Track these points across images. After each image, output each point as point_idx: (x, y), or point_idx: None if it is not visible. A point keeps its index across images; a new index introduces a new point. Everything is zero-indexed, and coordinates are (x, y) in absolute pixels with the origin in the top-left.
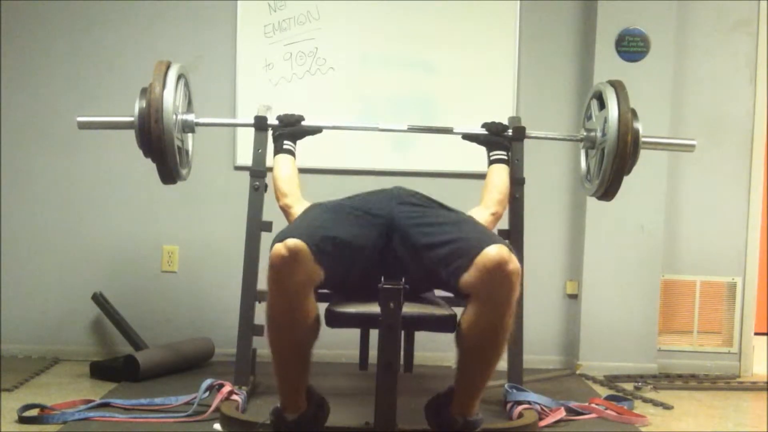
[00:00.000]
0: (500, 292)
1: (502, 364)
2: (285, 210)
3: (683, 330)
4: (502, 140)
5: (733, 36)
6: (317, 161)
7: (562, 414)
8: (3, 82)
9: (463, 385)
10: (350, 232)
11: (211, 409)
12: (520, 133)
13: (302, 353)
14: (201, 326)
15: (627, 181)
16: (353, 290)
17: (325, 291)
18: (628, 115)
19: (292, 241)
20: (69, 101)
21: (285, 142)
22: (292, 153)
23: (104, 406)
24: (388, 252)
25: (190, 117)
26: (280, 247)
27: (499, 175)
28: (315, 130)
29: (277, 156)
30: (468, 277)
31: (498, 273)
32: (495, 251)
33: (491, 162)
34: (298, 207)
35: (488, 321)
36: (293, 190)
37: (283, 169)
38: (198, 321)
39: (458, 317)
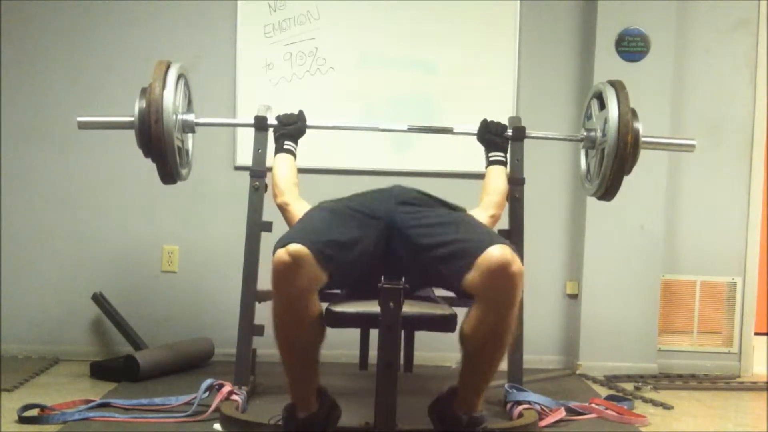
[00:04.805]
0: (503, 294)
1: (502, 364)
2: (281, 208)
3: (683, 330)
4: (502, 141)
5: (733, 36)
6: (317, 161)
7: (562, 414)
8: (3, 82)
9: (468, 384)
10: (351, 235)
11: (211, 409)
12: (520, 133)
13: (309, 354)
14: (201, 326)
15: (627, 181)
16: (356, 289)
17: (327, 291)
18: (628, 116)
19: (294, 247)
20: (69, 101)
21: (286, 142)
22: (292, 153)
23: (104, 406)
24: (390, 252)
25: (190, 117)
26: (282, 253)
27: (498, 177)
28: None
29: (277, 155)
30: (471, 278)
31: (501, 274)
32: (498, 252)
33: (490, 163)
34: (296, 206)
35: (492, 322)
36: (291, 188)
37: (282, 167)
38: (198, 321)
39: (459, 317)
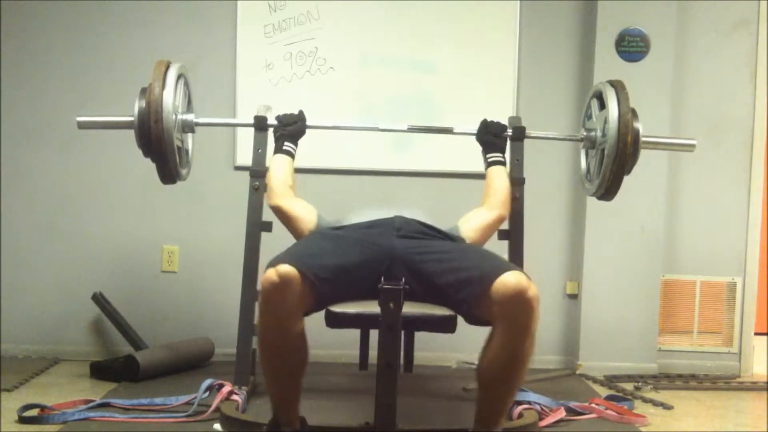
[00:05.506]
0: (521, 320)
1: None
2: (275, 210)
3: (683, 330)
4: (500, 141)
5: (733, 36)
6: (317, 161)
7: (562, 414)
8: (3, 82)
9: (487, 412)
10: (349, 259)
11: (211, 409)
12: (520, 133)
13: (294, 373)
14: (201, 326)
15: (627, 181)
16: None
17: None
18: (628, 116)
19: (283, 268)
20: (69, 101)
21: (285, 143)
22: (290, 154)
23: (104, 406)
24: (391, 278)
25: (190, 117)
26: (271, 273)
27: (501, 178)
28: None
29: (275, 156)
30: (485, 306)
31: (518, 300)
32: (513, 279)
33: (489, 164)
34: (291, 206)
35: (510, 351)
36: (285, 190)
37: (277, 169)
38: (198, 321)
39: (459, 318)
